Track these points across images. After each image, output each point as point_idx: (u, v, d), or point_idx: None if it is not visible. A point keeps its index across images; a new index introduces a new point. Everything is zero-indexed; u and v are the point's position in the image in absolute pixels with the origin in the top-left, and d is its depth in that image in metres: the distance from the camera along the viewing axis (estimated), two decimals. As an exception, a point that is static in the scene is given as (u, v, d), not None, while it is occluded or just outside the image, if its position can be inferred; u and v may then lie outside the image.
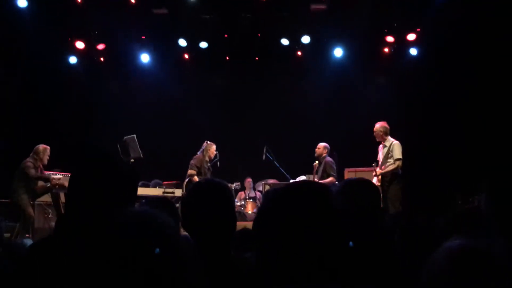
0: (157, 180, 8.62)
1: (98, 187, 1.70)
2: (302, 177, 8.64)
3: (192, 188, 2.15)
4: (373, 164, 7.46)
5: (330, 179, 7.98)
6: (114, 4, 9.19)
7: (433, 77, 9.54)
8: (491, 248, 1.15)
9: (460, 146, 8.98)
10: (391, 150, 7.36)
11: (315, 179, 8.08)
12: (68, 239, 1.61)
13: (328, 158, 8.18)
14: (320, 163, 8.24)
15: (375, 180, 7.35)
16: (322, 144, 8.30)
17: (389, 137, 7.48)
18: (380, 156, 7.54)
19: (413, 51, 9.91)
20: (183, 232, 2.02)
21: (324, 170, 8.12)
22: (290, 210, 1.18)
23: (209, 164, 8.31)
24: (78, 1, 9.15)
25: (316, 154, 8.30)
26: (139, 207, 1.82)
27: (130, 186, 1.81)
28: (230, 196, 2.08)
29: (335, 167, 8.11)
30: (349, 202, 2.10)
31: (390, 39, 9.89)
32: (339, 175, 8.70)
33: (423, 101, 9.70)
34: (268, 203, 1.26)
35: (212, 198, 1.96)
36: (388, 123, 7.58)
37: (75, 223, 1.66)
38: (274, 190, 1.29)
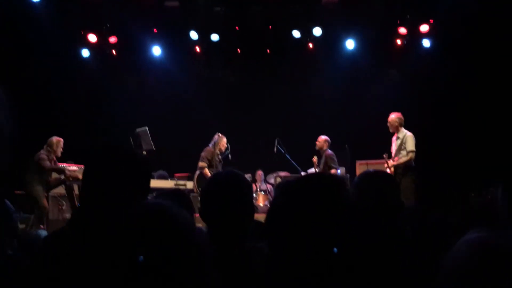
0: (162, 172, 8.66)
1: (111, 178, 1.71)
2: (313, 170, 8.64)
3: (210, 179, 2.16)
4: (384, 155, 7.42)
5: (332, 171, 7.98)
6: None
7: (446, 69, 9.43)
8: (509, 241, 1.14)
9: (473, 139, 8.89)
10: (404, 142, 7.32)
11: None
12: (82, 231, 1.62)
13: (329, 151, 8.19)
14: (320, 157, 8.26)
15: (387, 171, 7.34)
16: (323, 137, 8.30)
17: (403, 129, 7.43)
18: (394, 148, 7.50)
19: (426, 43, 9.80)
20: (198, 224, 2.03)
21: (325, 163, 8.14)
22: (303, 203, 1.18)
23: (220, 157, 8.32)
24: (90, -6, 9.19)
25: (317, 147, 8.32)
26: (153, 200, 1.83)
27: (143, 178, 1.82)
28: (249, 188, 2.10)
29: (335, 159, 8.11)
30: (367, 196, 2.08)
31: (402, 30, 9.79)
32: (351, 168, 8.68)
33: (436, 94, 9.61)
34: (280, 195, 1.26)
35: (232, 189, 1.98)
36: (401, 115, 7.53)
37: (89, 215, 1.67)
38: (286, 183, 1.29)
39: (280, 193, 1.27)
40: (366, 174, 2.27)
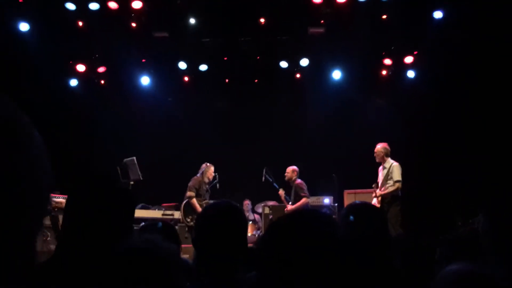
0: (144, 205, 8.59)
1: (94, 211, 1.70)
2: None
3: (206, 208, 2.19)
4: (373, 186, 7.47)
5: (302, 200, 7.98)
6: (115, 27, 9.30)
7: (431, 99, 9.60)
8: (489, 271, 1.15)
9: (459, 167, 8.98)
10: (390, 172, 7.39)
11: (288, 206, 8.06)
12: (67, 264, 1.60)
13: (298, 180, 8.17)
14: (291, 187, 8.23)
15: (374, 201, 7.37)
16: (290, 168, 8.30)
17: (389, 159, 7.52)
18: (380, 178, 7.55)
19: (411, 74, 9.99)
20: (184, 255, 2.01)
21: (295, 193, 8.12)
22: (294, 241, 1.19)
23: (207, 186, 8.30)
24: (79, 25, 9.26)
25: (286, 179, 8.29)
26: (140, 235, 1.82)
27: (127, 211, 1.82)
28: (245, 222, 2.13)
29: (305, 188, 8.08)
30: (353, 228, 2.10)
31: (387, 61, 10.00)
32: (339, 197, 8.69)
33: (422, 123, 9.75)
34: (271, 232, 1.27)
35: (228, 220, 1.99)
36: (387, 145, 7.62)
37: (72, 251, 1.65)
38: (278, 220, 1.31)
39: (271, 230, 1.28)
40: (352, 207, 2.29)
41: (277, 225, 1.29)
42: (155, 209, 8.41)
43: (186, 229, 7.94)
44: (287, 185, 8.36)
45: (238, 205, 2.14)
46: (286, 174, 8.26)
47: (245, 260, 1.94)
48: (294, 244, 1.19)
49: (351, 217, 2.14)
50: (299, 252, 1.17)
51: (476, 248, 2.29)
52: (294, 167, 8.27)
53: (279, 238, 1.23)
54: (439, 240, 2.48)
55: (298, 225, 1.24)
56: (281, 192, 8.27)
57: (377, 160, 7.60)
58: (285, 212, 8.02)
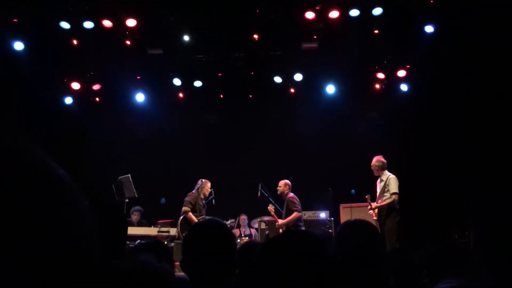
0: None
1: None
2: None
3: (192, 228, 2.15)
4: (366, 197, 7.49)
5: (294, 215, 7.92)
6: (109, 45, 9.35)
7: (424, 112, 9.67)
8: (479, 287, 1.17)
9: (454, 179, 9.02)
10: (387, 184, 7.42)
11: (279, 221, 8.02)
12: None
13: (290, 194, 8.11)
14: (283, 201, 8.19)
15: (370, 212, 7.39)
16: (282, 182, 8.26)
17: (386, 171, 7.55)
18: (378, 190, 7.58)
19: (404, 87, 10.08)
20: (179, 273, 2.01)
21: (287, 207, 8.08)
22: (286, 262, 1.20)
23: (204, 201, 8.29)
24: (74, 43, 9.31)
25: (278, 193, 8.23)
26: (133, 258, 1.83)
27: (119, 231, 1.82)
28: (231, 238, 2.08)
29: (296, 202, 8.04)
30: (348, 247, 2.10)
31: (380, 75, 10.09)
32: (335, 211, 8.69)
33: (416, 135, 9.80)
34: (265, 253, 1.29)
35: (213, 239, 1.96)
36: (383, 157, 7.66)
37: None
38: (270, 241, 1.32)
39: (264, 250, 1.29)
40: (347, 224, 2.30)
41: (270, 246, 1.31)
42: (150, 227, 8.38)
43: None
44: (280, 198, 8.34)
45: (223, 222, 2.11)
46: (278, 188, 8.24)
47: (235, 277, 1.92)
48: (287, 264, 1.20)
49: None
50: (291, 271, 1.18)
51: (468, 263, 2.31)
52: (286, 181, 8.25)
53: (271, 258, 1.25)
54: (431, 255, 2.49)
55: (289, 246, 1.25)
56: (271, 207, 8.21)
57: (374, 174, 7.64)
58: (276, 226, 8.00)
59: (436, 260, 2.41)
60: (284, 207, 8.15)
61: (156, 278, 1.09)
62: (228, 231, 2.06)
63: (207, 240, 1.96)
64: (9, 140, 0.55)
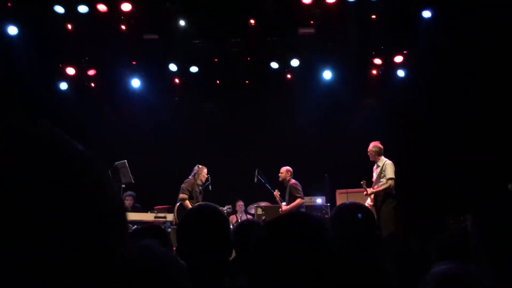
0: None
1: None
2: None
3: (185, 215, 2.14)
4: (362, 182, 7.51)
5: (297, 201, 7.97)
6: (104, 30, 9.26)
7: (421, 98, 9.67)
8: (475, 272, 1.18)
9: (451, 165, 9.05)
10: (384, 169, 7.43)
11: (283, 206, 8.05)
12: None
13: (292, 180, 8.14)
14: (285, 187, 8.21)
15: (368, 201, 7.41)
16: (284, 168, 8.27)
17: (382, 157, 7.55)
18: (374, 176, 7.59)
19: (401, 73, 10.06)
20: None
21: (290, 194, 8.10)
22: (284, 245, 1.20)
23: (200, 188, 8.30)
24: (68, 28, 9.21)
25: (280, 179, 8.25)
26: (137, 242, 1.81)
27: (117, 218, 1.80)
28: (225, 223, 2.06)
29: (299, 188, 8.07)
30: (343, 230, 2.10)
31: (377, 61, 10.05)
32: (332, 197, 8.72)
33: (412, 122, 9.81)
34: (262, 236, 1.28)
35: (207, 225, 1.95)
36: (379, 143, 7.66)
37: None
38: (270, 224, 1.31)
39: (262, 234, 1.29)
40: (342, 208, 2.30)
41: (269, 229, 1.30)
42: (147, 212, 8.39)
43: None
44: (281, 185, 8.36)
45: (217, 206, 2.10)
46: (280, 174, 8.25)
47: (232, 264, 1.92)
48: (286, 247, 1.20)
49: (359, 215, 2.13)
50: (290, 255, 1.18)
51: (466, 247, 2.32)
52: (288, 168, 8.26)
53: (270, 241, 1.24)
54: (430, 241, 2.50)
55: (289, 229, 1.25)
56: (276, 193, 8.25)
57: (370, 159, 7.64)
58: (280, 212, 8.02)
59: (435, 247, 2.42)
60: (286, 193, 8.16)
61: (165, 266, 1.08)
62: (221, 215, 2.05)
63: (200, 226, 1.95)
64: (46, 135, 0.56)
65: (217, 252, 1.92)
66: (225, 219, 2.09)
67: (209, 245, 1.91)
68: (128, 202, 8.73)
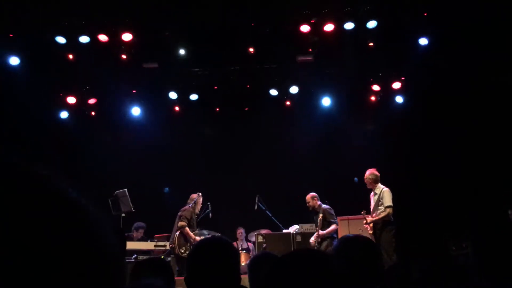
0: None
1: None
2: (295, 226, 8.59)
3: (197, 246, 2.16)
4: (362, 212, 7.48)
5: (332, 227, 7.93)
6: (105, 59, 9.35)
7: (419, 124, 9.71)
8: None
9: (450, 191, 9.02)
10: (381, 197, 7.41)
11: (320, 231, 7.95)
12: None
13: (325, 206, 8.11)
14: (317, 213, 8.12)
15: (365, 226, 7.37)
16: (309, 196, 8.23)
17: (379, 184, 7.55)
18: (372, 204, 7.57)
19: (399, 99, 10.13)
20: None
21: (324, 219, 8.04)
22: (295, 281, 1.21)
23: (196, 217, 8.28)
24: (69, 57, 9.31)
25: (310, 208, 8.20)
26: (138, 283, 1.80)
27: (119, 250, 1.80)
28: (236, 256, 2.12)
29: (333, 212, 8.04)
30: (347, 262, 2.10)
31: (376, 87, 10.14)
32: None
33: (410, 147, 9.82)
34: (273, 272, 1.30)
35: (219, 257, 1.97)
36: (377, 170, 7.65)
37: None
38: (279, 260, 1.34)
39: (274, 269, 1.31)
40: (345, 240, 2.30)
41: (280, 265, 1.33)
42: (147, 241, 8.33)
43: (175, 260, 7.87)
44: (310, 212, 8.30)
45: (228, 239, 2.13)
46: (307, 204, 8.19)
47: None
48: (296, 283, 1.22)
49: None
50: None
51: (465, 274, 2.30)
52: (313, 194, 8.23)
53: (281, 277, 1.26)
54: (433, 264, 2.48)
55: (299, 265, 1.27)
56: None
57: (368, 187, 7.64)
58: (316, 236, 7.90)
59: (434, 274, 2.40)
60: (319, 218, 8.04)
61: None
62: (232, 248, 2.08)
63: (212, 257, 1.97)
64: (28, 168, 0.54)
65: (226, 285, 1.92)
66: (236, 251, 2.13)
67: (220, 277, 1.92)
68: (139, 234, 8.68)
